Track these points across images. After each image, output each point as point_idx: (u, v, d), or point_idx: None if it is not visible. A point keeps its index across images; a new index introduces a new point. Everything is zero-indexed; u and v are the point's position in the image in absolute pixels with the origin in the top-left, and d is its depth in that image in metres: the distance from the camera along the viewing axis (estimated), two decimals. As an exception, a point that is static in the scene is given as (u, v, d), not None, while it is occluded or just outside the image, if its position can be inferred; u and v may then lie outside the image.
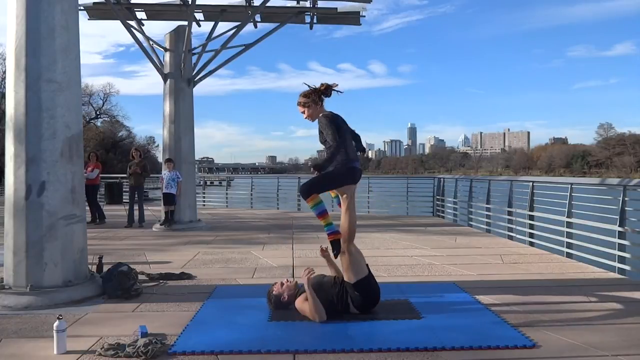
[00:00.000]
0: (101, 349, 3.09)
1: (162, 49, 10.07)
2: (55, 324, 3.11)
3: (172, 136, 9.88)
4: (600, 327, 3.54)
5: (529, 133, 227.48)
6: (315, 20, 10.81)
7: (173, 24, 10.29)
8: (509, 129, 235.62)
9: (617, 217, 5.91)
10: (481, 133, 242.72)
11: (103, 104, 55.55)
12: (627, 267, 5.75)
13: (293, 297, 3.88)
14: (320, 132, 3.89)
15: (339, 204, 4.08)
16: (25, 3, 4.31)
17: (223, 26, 10.43)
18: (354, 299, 3.74)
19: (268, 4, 9.58)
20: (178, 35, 9.89)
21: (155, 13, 10.65)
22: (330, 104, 4.07)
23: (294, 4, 10.35)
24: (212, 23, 10.23)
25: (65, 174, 4.44)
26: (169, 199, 9.59)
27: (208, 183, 31.69)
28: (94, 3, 10.30)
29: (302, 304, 3.75)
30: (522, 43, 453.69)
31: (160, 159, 15.79)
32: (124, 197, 16.28)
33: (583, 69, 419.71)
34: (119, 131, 59.16)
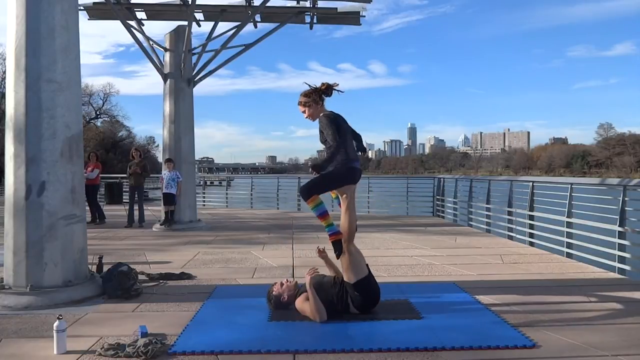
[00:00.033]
0: (101, 349, 3.09)
1: (162, 49, 10.07)
2: (55, 324, 3.11)
3: (172, 136, 9.88)
4: (600, 327, 3.54)
5: (529, 133, 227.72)
6: (315, 20, 10.81)
7: (173, 24, 10.30)
8: (509, 129, 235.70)
9: (617, 217, 5.91)
10: (481, 133, 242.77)
11: (103, 104, 55.63)
12: (627, 267, 5.75)
13: (293, 297, 3.88)
14: (321, 132, 3.89)
15: (340, 204, 4.08)
16: (25, 3, 4.31)
17: (223, 26, 10.45)
18: (354, 299, 3.74)
19: (268, 4, 9.58)
20: (178, 35, 9.89)
21: (155, 13, 10.65)
22: (330, 104, 4.07)
23: (294, 4, 10.35)
24: (212, 23, 10.23)
25: (65, 174, 4.44)
26: (169, 199, 9.59)
27: (208, 183, 31.69)
28: (94, 3, 10.30)
29: (302, 304, 3.75)
30: (522, 43, 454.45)
31: (160, 159, 15.80)
32: (124, 197, 16.28)
33: (583, 69, 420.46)
34: (119, 131, 59.16)
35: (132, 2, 10.00)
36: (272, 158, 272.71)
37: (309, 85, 4.02)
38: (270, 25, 10.68)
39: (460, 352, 3.07)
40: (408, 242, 7.80)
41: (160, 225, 9.68)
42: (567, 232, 6.87)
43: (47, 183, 4.32)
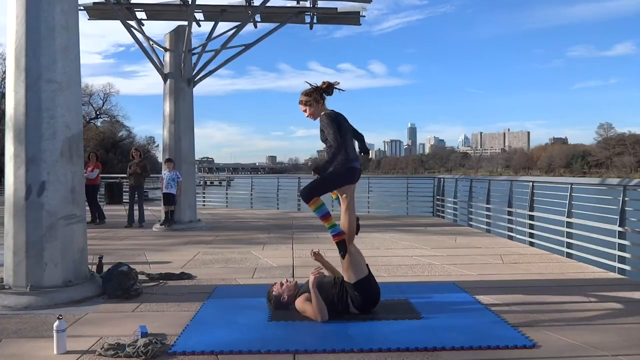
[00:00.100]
0: (101, 349, 3.09)
1: (162, 49, 10.07)
2: (55, 324, 3.11)
3: (172, 136, 9.88)
4: (600, 327, 3.54)
5: (529, 133, 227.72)
6: (315, 20, 10.81)
7: (173, 24, 10.30)
8: (509, 129, 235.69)
9: (617, 217, 5.91)
10: (481, 133, 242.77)
11: (103, 104, 55.63)
12: (627, 267, 5.75)
13: (293, 298, 3.88)
14: (322, 131, 3.88)
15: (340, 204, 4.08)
16: (25, 3, 4.31)
17: (223, 26, 10.45)
18: (354, 299, 3.74)
19: (268, 4, 9.58)
20: (178, 35, 9.89)
21: (155, 13, 10.65)
22: (331, 104, 4.07)
23: (294, 4, 10.35)
24: (212, 23, 10.23)
25: (65, 174, 4.44)
26: (169, 199, 9.59)
27: (208, 183, 31.70)
28: (94, 3, 10.30)
29: (303, 304, 3.75)
30: (522, 43, 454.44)
31: (160, 159, 15.80)
32: (124, 197, 16.28)
33: (583, 69, 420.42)
34: (119, 131, 59.16)
35: (132, 2, 10.00)
36: (272, 158, 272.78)
37: (310, 84, 4.02)
38: (270, 25, 10.70)
39: (460, 352, 3.07)
40: (408, 242, 7.80)
41: (160, 225, 9.68)
42: (567, 232, 6.87)
43: (47, 183, 4.32)
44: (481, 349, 3.13)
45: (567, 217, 6.90)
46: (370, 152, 4.45)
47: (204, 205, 16.97)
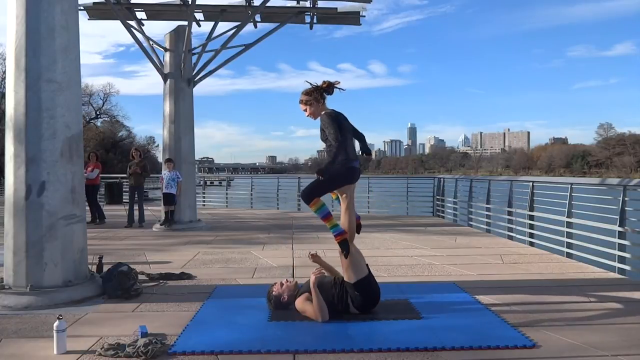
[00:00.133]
0: (101, 349, 3.09)
1: (162, 49, 10.07)
2: (55, 324, 3.11)
3: (172, 136, 9.88)
4: (600, 327, 3.54)
5: (529, 133, 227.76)
6: (315, 20, 10.81)
7: (173, 24, 10.30)
8: (509, 129, 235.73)
9: (617, 217, 5.91)
10: (481, 133, 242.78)
11: (103, 104, 55.63)
12: (627, 267, 5.75)
13: (293, 298, 3.88)
14: (322, 130, 3.88)
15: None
16: (25, 3, 4.31)
17: (223, 26, 10.45)
18: (354, 298, 3.73)
19: (268, 4, 9.58)
20: (178, 35, 9.89)
21: (155, 13, 10.65)
22: (331, 103, 4.07)
23: (294, 4, 10.35)
24: (212, 23, 10.23)
25: (65, 174, 4.43)
26: (169, 199, 9.59)
27: (208, 183, 31.70)
28: (94, 3, 10.30)
29: (303, 304, 3.75)
30: (522, 43, 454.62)
31: (160, 159, 15.80)
32: (124, 197, 16.28)
33: (583, 69, 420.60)
34: (119, 131, 59.16)
35: (132, 2, 10.00)
36: (272, 158, 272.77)
37: (310, 84, 4.02)
38: (270, 25, 10.70)
39: (460, 352, 3.07)
40: (408, 242, 7.80)
41: (160, 225, 9.68)
42: (567, 232, 6.87)
43: (47, 183, 4.32)
44: (481, 349, 3.13)
45: (567, 217, 6.90)
46: (372, 152, 4.45)
47: (204, 205, 16.97)
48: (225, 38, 10.16)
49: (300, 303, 3.78)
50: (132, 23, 9.79)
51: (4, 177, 4.70)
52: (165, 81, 10.00)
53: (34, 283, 4.25)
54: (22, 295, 4.19)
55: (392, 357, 3.01)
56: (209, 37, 10.16)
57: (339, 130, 3.77)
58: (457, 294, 4.49)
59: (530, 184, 8.13)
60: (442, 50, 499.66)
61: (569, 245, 6.77)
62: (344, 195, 3.97)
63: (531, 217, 7.95)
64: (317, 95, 3.95)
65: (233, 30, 10.10)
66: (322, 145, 4.04)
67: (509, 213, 8.65)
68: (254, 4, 9.98)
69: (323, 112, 3.92)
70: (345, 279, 3.80)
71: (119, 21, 9.51)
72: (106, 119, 57.46)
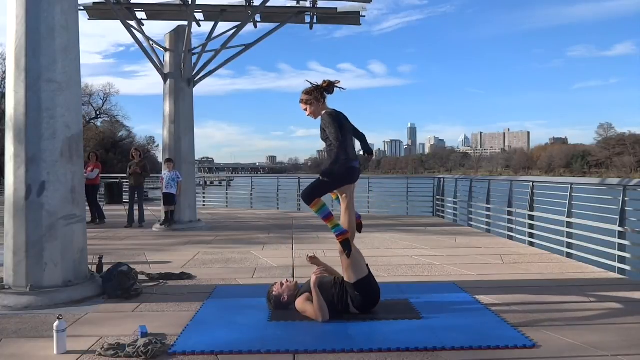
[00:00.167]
0: (101, 349, 3.09)
1: (162, 49, 10.07)
2: (55, 324, 3.11)
3: (172, 136, 9.88)
4: (600, 327, 3.54)
5: (529, 133, 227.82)
6: (315, 20, 10.81)
7: (173, 24, 10.30)
8: (509, 129, 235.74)
9: (617, 217, 5.91)
10: (481, 133, 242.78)
11: (103, 104, 55.67)
12: (627, 267, 5.75)
13: (293, 298, 3.88)
14: (322, 130, 3.88)
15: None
16: (25, 3, 4.31)
17: (223, 26, 10.45)
18: (354, 298, 3.73)
19: (268, 4, 9.58)
20: (178, 35, 9.89)
21: (155, 13, 10.65)
22: (332, 103, 4.08)
23: (294, 4, 10.35)
24: (212, 23, 10.23)
25: (65, 174, 4.43)
26: (169, 199, 9.59)
27: (208, 183, 31.70)
28: (94, 3, 10.30)
29: (303, 304, 3.75)
30: (522, 43, 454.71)
31: (160, 159, 15.80)
32: (124, 197, 16.28)
33: (583, 69, 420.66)
34: (119, 131, 59.19)
35: (132, 2, 10.00)
36: (272, 158, 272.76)
37: (311, 83, 4.02)
38: (270, 25, 10.70)
39: (460, 352, 3.07)
40: (408, 242, 7.80)
41: (160, 225, 9.68)
42: (567, 232, 6.87)
43: (47, 183, 4.32)
44: (481, 349, 3.13)
45: (567, 217, 6.90)
46: (373, 152, 4.44)
47: (204, 205, 16.97)
48: (225, 38, 10.18)
49: (300, 303, 3.78)
50: (132, 23, 9.79)
51: (4, 177, 4.70)
52: (165, 81, 10.00)
53: (34, 283, 4.25)
54: (22, 295, 4.19)
55: (392, 357, 3.01)
56: (209, 37, 10.16)
57: (340, 130, 3.78)
58: (457, 294, 4.49)
59: (530, 184, 8.13)
60: (442, 50, 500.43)
61: (569, 245, 6.77)
62: (344, 195, 3.97)
63: (531, 217, 7.95)
64: (317, 94, 3.95)
65: (233, 30, 10.10)
66: (322, 145, 4.04)
67: (509, 213, 8.65)
68: (254, 4, 9.98)
69: (324, 112, 3.92)
70: (345, 278, 3.80)
71: (119, 21, 9.51)
72: (106, 119, 57.55)
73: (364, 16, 10.63)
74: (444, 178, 13.26)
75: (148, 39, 9.86)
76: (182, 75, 9.86)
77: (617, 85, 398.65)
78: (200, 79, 10.21)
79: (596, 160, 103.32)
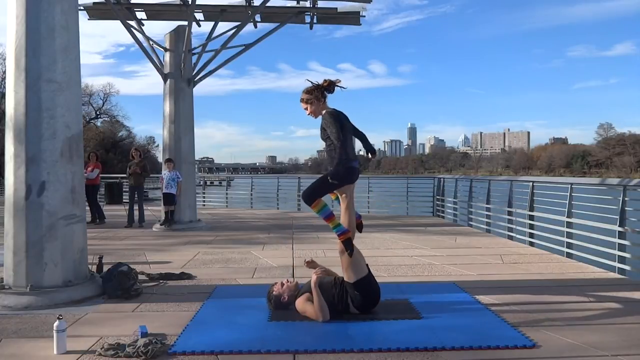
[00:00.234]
0: (101, 349, 3.09)
1: (162, 49, 10.07)
2: (55, 324, 3.11)
3: (172, 136, 9.88)
4: (600, 327, 3.54)
5: (529, 133, 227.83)
6: (315, 20, 10.81)
7: (173, 24, 10.30)
8: (509, 129, 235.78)
9: (617, 217, 5.91)
10: (481, 133, 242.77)
11: (103, 104, 55.72)
12: (627, 267, 5.75)
13: (293, 298, 3.88)
14: (322, 129, 3.88)
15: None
16: (25, 3, 4.31)
17: (223, 26, 10.45)
18: (354, 298, 3.73)
19: (268, 4, 9.58)
20: (178, 35, 9.89)
21: (155, 13, 10.65)
22: (331, 103, 4.08)
23: (294, 4, 10.35)
24: (212, 23, 10.23)
25: (65, 174, 4.43)
26: (169, 199, 9.59)
27: (208, 183, 31.71)
28: (94, 3, 10.30)
29: (304, 305, 3.75)
30: (522, 43, 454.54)
31: (160, 159, 15.80)
32: (124, 197, 16.28)
33: (583, 69, 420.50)
34: (119, 131, 59.22)
35: (132, 2, 10.00)
36: (272, 158, 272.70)
37: (311, 82, 4.02)
38: (270, 25, 10.70)
39: (460, 352, 3.07)
40: (408, 242, 7.80)
41: (160, 225, 9.68)
42: (567, 232, 6.87)
43: (47, 183, 4.32)
44: (481, 349, 3.13)
45: (567, 217, 6.90)
46: (375, 151, 4.45)
47: (204, 205, 16.97)
48: (225, 38, 10.18)
49: (300, 303, 3.78)
50: (132, 23, 9.79)
51: (4, 177, 4.70)
52: (165, 81, 10.00)
53: (34, 283, 4.25)
54: (22, 295, 4.19)
55: (392, 357, 3.01)
56: (209, 37, 10.16)
57: (341, 130, 3.78)
58: (457, 294, 4.49)
59: (530, 184, 8.13)
60: (442, 50, 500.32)
61: (569, 245, 6.77)
62: (344, 195, 3.97)
63: (531, 217, 7.95)
64: (318, 93, 3.95)
65: (233, 30, 10.10)
66: (322, 145, 4.04)
67: (509, 213, 8.65)
68: (254, 4, 9.98)
69: (325, 111, 3.92)
70: (345, 278, 3.80)
71: (119, 21, 9.51)
72: (106, 119, 57.59)
73: (364, 16, 10.64)
74: (444, 178, 13.27)
75: (148, 39, 9.86)
76: (182, 75, 9.87)
77: (617, 85, 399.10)
78: (200, 79, 10.21)
79: (596, 160, 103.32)
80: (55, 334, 3.09)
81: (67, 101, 4.46)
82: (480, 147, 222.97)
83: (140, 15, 10.36)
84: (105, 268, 4.86)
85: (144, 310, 4.10)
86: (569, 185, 7.02)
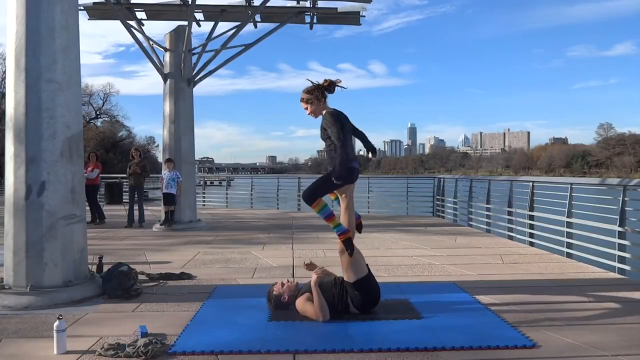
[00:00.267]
0: (101, 349, 3.09)
1: (162, 49, 10.07)
2: (55, 324, 3.11)
3: (172, 136, 9.88)
4: (600, 327, 3.54)
5: (529, 133, 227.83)
6: (315, 20, 10.81)
7: (173, 24, 10.30)
8: (509, 129, 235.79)
9: (617, 217, 5.91)
10: (481, 133, 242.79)
11: (103, 104, 55.71)
12: (627, 267, 5.75)
13: (293, 298, 3.88)
14: (322, 129, 3.88)
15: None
16: (25, 3, 4.31)
17: (223, 26, 10.45)
18: (353, 298, 3.74)
19: (268, 4, 9.58)
20: (178, 35, 9.89)
21: (155, 13, 10.65)
22: (331, 103, 4.08)
23: (294, 4, 10.35)
24: (212, 23, 10.23)
25: (65, 174, 4.44)
26: (169, 199, 9.59)
27: (208, 183, 31.71)
28: (94, 3, 10.30)
29: (304, 305, 3.75)
30: (522, 43, 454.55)
31: (160, 159, 15.80)
32: (124, 197, 16.29)
33: (583, 69, 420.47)
34: (119, 131, 59.21)
35: (132, 2, 10.00)
36: (272, 158, 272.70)
37: (312, 82, 4.02)
38: (270, 25, 10.70)
39: (460, 352, 3.07)
40: (408, 242, 7.80)
41: (160, 225, 9.68)
42: (567, 232, 6.87)
43: (47, 183, 4.32)
44: (481, 349, 3.13)
45: (567, 217, 6.90)
46: (376, 150, 4.45)
47: (204, 205, 16.97)
48: (225, 38, 10.18)
49: (300, 303, 3.78)
50: (132, 23, 9.79)
51: (4, 177, 4.70)
52: (165, 81, 10.00)
53: (34, 283, 4.25)
54: (22, 295, 4.19)
55: (392, 357, 3.01)
56: (209, 37, 10.16)
57: (341, 130, 3.78)
58: (457, 294, 4.49)
59: (530, 184, 8.13)
60: (442, 50, 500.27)
61: (569, 245, 6.77)
62: (344, 195, 3.97)
63: (531, 217, 7.95)
64: (318, 93, 3.95)
65: (233, 30, 10.10)
66: (322, 145, 4.04)
67: (509, 213, 8.65)
68: (254, 4, 9.98)
69: (325, 111, 3.93)
70: (345, 278, 3.80)
71: (119, 21, 9.51)
72: (106, 119, 57.58)
73: (364, 16, 10.65)
74: (444, 178, 13.27)
75: (148, 39, 9.86)
76: (182, 75, 9.87)
77: (617, 85, 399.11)
78: (200, 79, 10.22)
79: (596, 160, 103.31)
80: (55, 334, 3.09)
81: (67, 101, 4.46)
82: (480, 147, 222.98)
83: (140, 15, 10.36)
84: (105, 268, 4.86)
85: (144, 310, 4.10)
86: (569, 185, 7.03)
